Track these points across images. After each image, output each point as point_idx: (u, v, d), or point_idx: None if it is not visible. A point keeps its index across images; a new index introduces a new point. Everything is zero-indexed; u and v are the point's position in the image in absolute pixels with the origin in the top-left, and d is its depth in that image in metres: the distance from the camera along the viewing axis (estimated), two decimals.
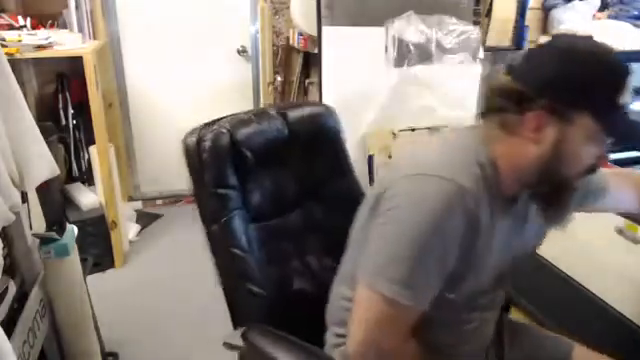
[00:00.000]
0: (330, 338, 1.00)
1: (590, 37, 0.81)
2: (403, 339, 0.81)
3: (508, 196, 0.84)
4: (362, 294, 0.80)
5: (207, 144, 1.02)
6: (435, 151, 0.87)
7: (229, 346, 1.00)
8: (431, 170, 0.77)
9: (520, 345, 1.09)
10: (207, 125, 1.08)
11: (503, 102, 0.79)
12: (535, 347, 1.09)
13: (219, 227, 1.04)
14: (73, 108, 2.61)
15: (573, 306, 1.70)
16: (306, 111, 1.23)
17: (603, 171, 0.99)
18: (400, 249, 0.76)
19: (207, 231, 1.07)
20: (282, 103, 1.25)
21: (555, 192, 0.81)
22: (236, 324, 1.07)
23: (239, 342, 0.96)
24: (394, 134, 2.76)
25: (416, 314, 0.79)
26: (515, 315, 2.04)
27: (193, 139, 1.06)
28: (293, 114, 1.18)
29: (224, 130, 1.04)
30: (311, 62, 3.10)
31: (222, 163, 1.03)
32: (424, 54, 2.73)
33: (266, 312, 1.04)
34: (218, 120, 1.10)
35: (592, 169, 0.82)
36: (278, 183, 1.14)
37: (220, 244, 1.07)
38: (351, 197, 1.11)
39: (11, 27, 2.25)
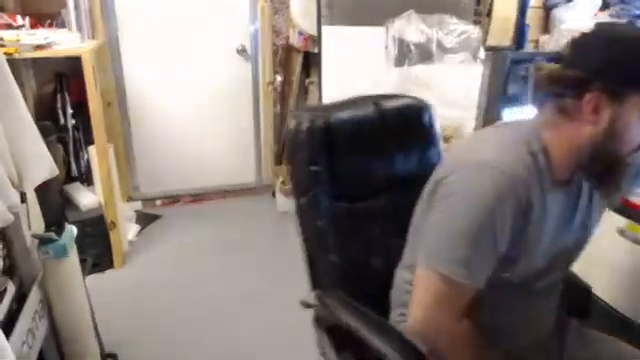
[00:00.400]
0: (394, 317, 1.09)
1: (628, 23, 0.87)
2: (458, 318, 0.87)
3: (560, 181, 0.89)
4: (421, 275, 0.88)
5: (304, 126, 1.14)
6: (490, 142, 0.92)
7: (305, 304, 1.14)
8: (486, 160, 0.85)
9: (594, 355, 1.09)
10: (307, 109, 1.23)
11: (560, 89, 0.84)
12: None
13: (307, 200, 1.15)
14: (72, 108, 2.61)
15: None
16: (400, 102, 1.31)
17: None
18: (456, 232, 0.84)
19: (297, 203, 1.17)
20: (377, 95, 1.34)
21: (609, 170, 0.86)
22: (313, 287, 1.21)
23: (313, 302, 1.12)
24: None
25: (471, 292, 0.86)
26: None
27: (294, 121, 1.17)
28: (387, 104, 1.26)
29: (320, 114, 1.16)
30: (311, 62, 3.10)
31: (315, 144, 1.14)
32: (425, 54, 2.72)
33: (339, 281, 1.15)
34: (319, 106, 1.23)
35: None
36: (367, 168, 1.23)
37: (306, 215, 1.17)
38: None
39: (10, 27, 2.24)
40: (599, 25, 0.90)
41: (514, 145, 0.87)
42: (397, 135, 1.26)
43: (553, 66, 0.86)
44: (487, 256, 0.85)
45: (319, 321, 1.15)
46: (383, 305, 1.11)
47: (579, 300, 1.24)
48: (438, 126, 1.33)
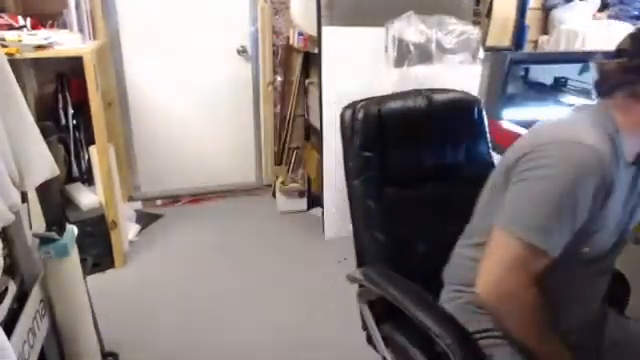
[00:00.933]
0: (447, 294, 1.15)
1: None
2: (531, 284, 0.90)
3: (629, 163, 0.96)
4: (499, 239, 0.93)
5: (360, 114, 1.25)
6: (575, 123, 0.97)
7: (352, 278, 1.19)
8: (574, 137, 0.90)
9: (634, 341, 1.12)
10: (362, 100, 1.29)
11: (631, 77, 0.91)
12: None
13: (359, 182, 1.26)
14: (73, 108, 2.61)
15: None
16: (451, 96, 1.38)
17: None
18: (539, 201, 0.89)
19: (349, 185, 1.28)
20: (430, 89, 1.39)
21: None
22: (359, 264, 1.28)
23: (360, 277, 1.17)
24: None
25: (546, 260, 0.90)
26: None
27: (350, 110, 1.28)
28: (438, 97, 1.34)
29: (374, 104, 1.27)
30: (311, 62, 3.10)
31: (369, 131, 1.25)
32: (424, 54, 2.73)
33: (385, 260, 1.23)
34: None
35: None
36: (416, 156, 1.31)
37: (357, 196, 1.27)
38: (483, 184, 1.16)
39: (11, 27, 2.25)
40: None
41: (595, 127, 0.92)
42: (446, 127, 1.34)
43: (616, 61, 0.93)
44: (567, 227, 0.89)
45: (362, 295, 1.21)
46: (427, 285, 1.14)
47: (617, 288, 1.26)
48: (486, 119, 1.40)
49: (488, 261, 0.94)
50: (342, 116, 1.29)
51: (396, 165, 1.28)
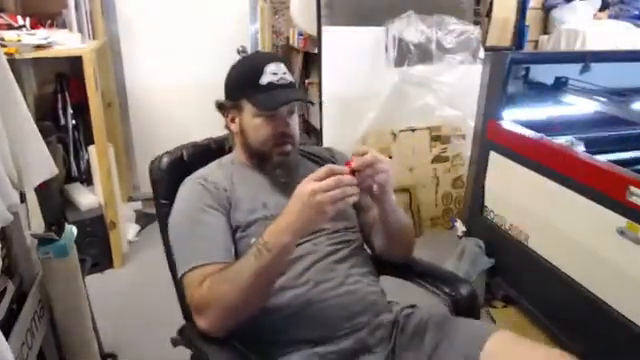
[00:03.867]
0: None
1: None
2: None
3: None
4: None
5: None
6: None
7: (173, 341, 1.14)
8: None
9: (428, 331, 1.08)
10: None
11: None
12: (447, 331, 1.06)
13: None
14: (72, 108, 2.60)
15: (573, 307, 1.70)
16: None
17: None
18: None
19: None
20: None
21: None
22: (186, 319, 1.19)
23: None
24: (394, 134, 2.76)
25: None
26: (515, 315, 2.05)
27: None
28: None
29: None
30: (311, 62, 3.10)
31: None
32: (424, 54, 2.72)
33: None
34: None
35: None
36: None
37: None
38: None
39: (10, 27, 2.24)
40: None
41: None
42: None
43: None
44: None
45: None
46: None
47: None
48: None
49: None
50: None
51: None
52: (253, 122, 1.11)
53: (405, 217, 1.15)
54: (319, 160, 1.26)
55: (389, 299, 1.17)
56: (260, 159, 1.14)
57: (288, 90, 1.10)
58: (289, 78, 1.11)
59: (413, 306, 1.16)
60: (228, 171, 1.16)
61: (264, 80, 1.07)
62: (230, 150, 1.28)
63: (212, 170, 1.17)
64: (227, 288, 0.93)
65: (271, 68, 1.08)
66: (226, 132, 1.28)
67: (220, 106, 1.19)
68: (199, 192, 1.10)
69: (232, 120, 1.17)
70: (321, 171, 0.88)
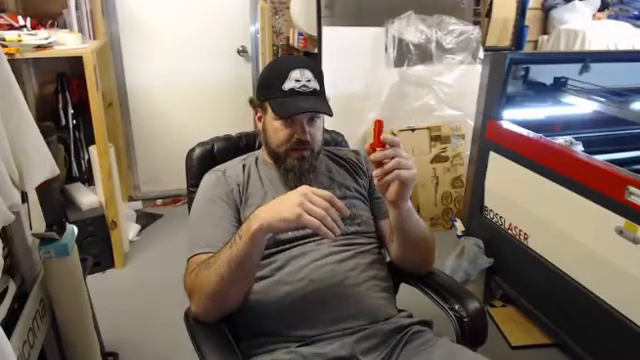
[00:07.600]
0: None
1: None
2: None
3: None
4: None
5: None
6: None
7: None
8: None
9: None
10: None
11: None
12: None
13: None
14: (73, 108, 2.61)
15: (573, 306, 1.71)
16: None
17: None
18: None
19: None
20: None
21: None
22: None
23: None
24: (394, 134, 2.77)
25: None
26: (514, 314, 2.05)
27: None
28: None
29: None
30: None
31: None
32: (424, 54, 2.73)
33: None
34: None
35: None
36: None
37: None
38: None
39: (11, 27, 2.25)
40: None
41: None
42: None
43: None
44: None
45: None
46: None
47: None
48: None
49: None
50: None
51: None
52: (273, 124, 1.13)
53: (424, 227, 1.11)
54: (344, 163, 1.26)
55: (402, 308, 1.14)
56: (276, 159, 1.17)
57: (308, 98, 1.09)
58: (313, 85, 1.10)
59: (427, 323, 1.12)
60: (248, 167, 1.21)
61: (286, 86, 1.08)
62: (260, 146, 1.31)
63: (233, 164, 1.23)
64: (207, 275, 0.97)
65: (295, 74, 1.09)
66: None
67: (251, 102, 1.21)
68: (213, 183, 1.17)
69: (259, 118, 1.20)
70: (326, 194, 0.88)
